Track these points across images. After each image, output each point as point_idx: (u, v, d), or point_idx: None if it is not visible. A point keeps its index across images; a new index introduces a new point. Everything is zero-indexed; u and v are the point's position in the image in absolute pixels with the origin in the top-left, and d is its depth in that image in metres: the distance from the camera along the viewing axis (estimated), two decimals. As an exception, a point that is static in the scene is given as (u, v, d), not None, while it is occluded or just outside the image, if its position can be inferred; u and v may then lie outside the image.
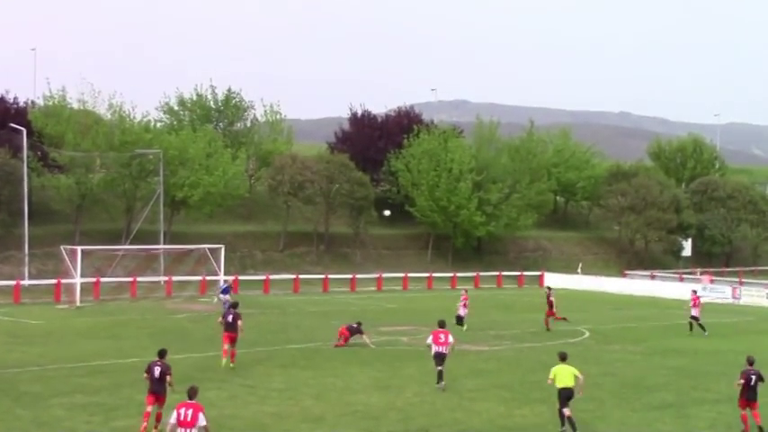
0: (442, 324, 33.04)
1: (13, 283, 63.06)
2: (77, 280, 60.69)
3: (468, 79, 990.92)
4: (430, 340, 32.65)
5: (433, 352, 32.42)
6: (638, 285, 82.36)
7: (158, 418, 25.07)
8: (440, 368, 32.23)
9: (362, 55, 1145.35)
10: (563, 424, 26.37)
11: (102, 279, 65.17)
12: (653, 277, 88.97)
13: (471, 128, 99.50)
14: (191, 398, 20.77)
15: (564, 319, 51.78)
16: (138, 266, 69.73)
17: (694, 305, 51.49)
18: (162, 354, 26.11)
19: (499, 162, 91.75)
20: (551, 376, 26.83)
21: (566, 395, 26.49)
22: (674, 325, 54.53)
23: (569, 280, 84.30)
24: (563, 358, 27.17)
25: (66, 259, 61.91)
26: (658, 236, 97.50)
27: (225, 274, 67.07)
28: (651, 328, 53.86)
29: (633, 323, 56.47)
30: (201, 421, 20.23)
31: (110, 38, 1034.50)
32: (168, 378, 25.29)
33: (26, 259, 66.99)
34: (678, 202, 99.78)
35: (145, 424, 24.76)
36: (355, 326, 43.22)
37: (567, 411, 26.24)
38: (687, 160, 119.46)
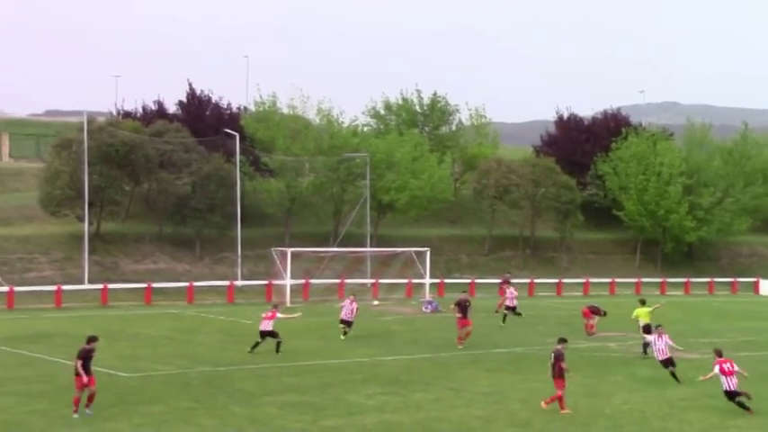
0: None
1: (227, 283, 65.19)
2: (287, 281, 62.25)
3: (679, 80, 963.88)
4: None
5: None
6: None
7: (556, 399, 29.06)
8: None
9: (569, 57, 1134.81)
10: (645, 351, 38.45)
11: (312, 281, 66.59)
12: None
13: (682, 130, 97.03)
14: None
15: None
16: (345, 269, 70.87)
17: None
18: (562, 340, 30.05)
19: (711, 165, 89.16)
20: (634, 316, 41.46)
21: (647, 328, 38.97)
22: None
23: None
24: (643, 302, 42.35)
25: (277, 261, 63.59)
26: None
27: (430, 278, 67.57)
28: None
29: None
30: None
31: (319, 45, 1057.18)
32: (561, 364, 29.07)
33: (239, 261, 69.06)
34: None
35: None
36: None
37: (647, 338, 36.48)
38: None
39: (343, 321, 44.49)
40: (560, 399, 29.06)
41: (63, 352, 38.93)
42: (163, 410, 27.90)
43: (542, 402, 29.33)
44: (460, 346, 42.23)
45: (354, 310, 44.65)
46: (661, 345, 33.98)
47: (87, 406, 27.16)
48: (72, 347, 40.06)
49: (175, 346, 42.08)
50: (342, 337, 44.00)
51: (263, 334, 39.46)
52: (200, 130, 76.11)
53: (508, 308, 52.12)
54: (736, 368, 29.17)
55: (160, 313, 55.73)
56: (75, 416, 26.82)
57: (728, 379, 29.04)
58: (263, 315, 39.94)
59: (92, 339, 28.06)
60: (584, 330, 47.78)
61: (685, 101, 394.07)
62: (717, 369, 29.27)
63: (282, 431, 26.00)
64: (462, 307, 43.38)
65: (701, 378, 30.51)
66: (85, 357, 27.30)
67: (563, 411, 28.83)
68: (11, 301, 57.19)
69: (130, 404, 28.50)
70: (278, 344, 39.30)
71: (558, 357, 29.16)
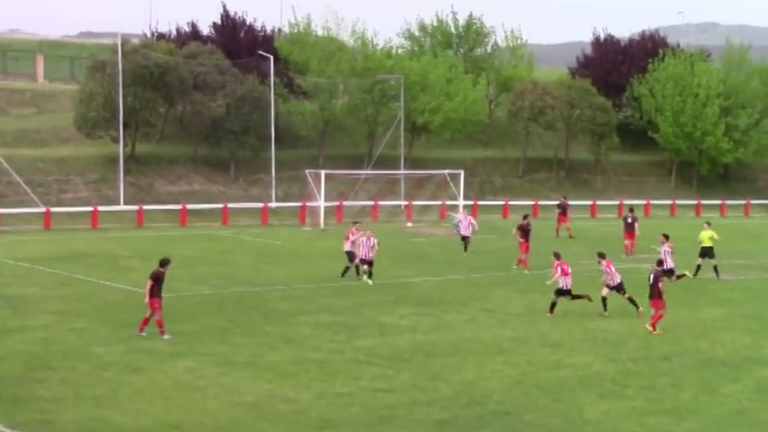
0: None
1: (261, 205, 65.48)
2: (321, 203, 62.42)
3: (718, 0, 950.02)
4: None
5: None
6: None
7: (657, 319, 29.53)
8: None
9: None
10: (696, 272, 40.74)
11: (345, 203, 66.75)
12: None
13: (720, 51, 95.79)
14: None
15: None
16: (379, 191, 70.97)
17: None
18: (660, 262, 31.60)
19: (749, 87, 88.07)
20: (700, 238, 41.95)
21: (704, 251, 41.46)
22: None
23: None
24: (708, 224, 43.19)
25: (311, 183, 63.76)
26: None
27: (464, 200, 67.55)
28: None
29: None
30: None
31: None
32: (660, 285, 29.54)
33: (273, 182, 69.27)
34: None
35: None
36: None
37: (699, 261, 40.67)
38: None
39: (363, 261, 38.47)
40: (658, 318, 29.50)
41: (99, 272, 39.49)
42: (198, 329, 28.25)
43: (648, 326, 29.47)
44: (527, 271, 42.12)
45: (374, 246, 38.57)
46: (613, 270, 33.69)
47: (141, 329, 27.31)
48: (108, 268, 40.82)
49: (210, 266, 42.45)
50: (370, 282, 37.69)
51: (349, 255, 39.13)
52: (234, 52, 75.85)
53: (463, 237, 48.34)
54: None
55: (195, 234, 56.16)
56: (167, 336, 26.99)
57: (565, 279, 31.97)
58: (346, 235, 39.82)
59: (164, 262, 27.93)
60: (624, 251, 48.38)
61: (724, 21, 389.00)
62: (559, 271, 32.00)
63: (316, 350, 26.28)
64: (524, 231, 43.59)
65: (548, 282, 33.11)
66: (156, 280, 27.34)
67: (655, 332, 29.12)
68: (47, 222, 57.79)
69: (166, 323, 28.76)
70: (346, 269, 38.97)
71: (657, 279, 29.38)
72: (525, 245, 43.25)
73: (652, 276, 29.63)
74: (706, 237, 42.35)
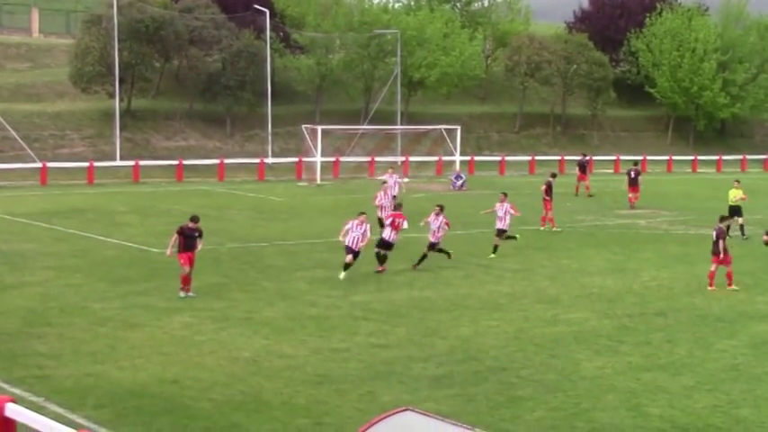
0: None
1: (257, 160, 65.40)
2: (318, 159, 62.36)
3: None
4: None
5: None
6: None
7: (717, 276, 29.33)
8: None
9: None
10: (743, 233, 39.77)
11: (342, 158, 66.70)
12: None
13: (717, 5, 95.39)
14: None
15: None
16: (376, 146, 70.89)
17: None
18: (723, 218, 30.51)
19: (746, 41, 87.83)
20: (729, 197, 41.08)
21: (732, 210, 39.18)
22: None
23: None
24: (738, 182, 42.26)
25: (308, 138, 63.66)
26: None
27: (461, 155, 67.54)
28: None
29: None
30: None
31: None
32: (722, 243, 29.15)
33: (269, 138, 69.15)
34: None
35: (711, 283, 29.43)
36: None
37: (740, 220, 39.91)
38: None
39: (349, 251, 30.17)
40: (729, 274, 29.44)
41: (96, 228, 39.49)
42: (194, 285, 28.21)
43: (710, 287, 29.35)
44: (543, 227, 41.72)
45: (365, 233, 30.64)
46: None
47: (188, 290, 27.00)
48: (105, 223, 40.83)
49: (206, 222, 41.70)
50: (341, 275, 29.89)
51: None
52: (230, 6, 75.54)
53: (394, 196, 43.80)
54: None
55: (191, 190, 56.13)
56: (183, 294, 26.86)
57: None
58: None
59: (194, 219, 27.78)
60: (629, 204, 49.34)
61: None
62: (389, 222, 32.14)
63: (312, 306, 26.33)
64: (551, 188, 42.80)
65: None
66: (185, 235, 27.11)
67: (731, 287, 29.21)
68: (44, 178, 57.75)
69: (162, 279, 28.91)
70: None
71: (720, 235, 29.31)
72: (550, 203, 42.67)
73: (715, 233, 29.50)
74: (736, 195, 41.41)
